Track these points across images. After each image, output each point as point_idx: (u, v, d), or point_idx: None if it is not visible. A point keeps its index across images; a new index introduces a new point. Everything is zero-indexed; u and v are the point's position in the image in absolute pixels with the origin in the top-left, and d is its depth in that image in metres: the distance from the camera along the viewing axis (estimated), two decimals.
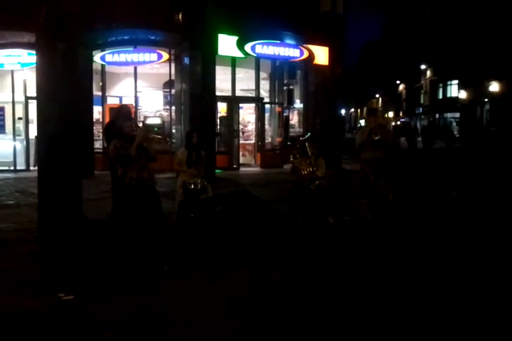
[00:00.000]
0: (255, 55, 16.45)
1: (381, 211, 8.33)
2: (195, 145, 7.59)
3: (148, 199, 5.94)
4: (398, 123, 58.66)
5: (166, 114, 16.92)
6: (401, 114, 63.52)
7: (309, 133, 9.86)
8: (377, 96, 75.40)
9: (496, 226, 7.82)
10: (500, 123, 34.38)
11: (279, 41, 16.88)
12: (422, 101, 55.50)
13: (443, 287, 5.10)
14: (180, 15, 14.55)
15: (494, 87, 34.95)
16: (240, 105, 17.35)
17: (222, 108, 17.03)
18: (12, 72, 15.42)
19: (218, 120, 16.82)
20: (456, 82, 45.07)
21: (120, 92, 17.07)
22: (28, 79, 14.98)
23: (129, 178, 5.77)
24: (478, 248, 6.56)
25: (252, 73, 17.52)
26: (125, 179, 5.79)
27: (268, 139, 17.82)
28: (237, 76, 16.88)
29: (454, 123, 46.59)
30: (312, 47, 17.54)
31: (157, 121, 16.81)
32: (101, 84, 16.29)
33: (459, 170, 16.70)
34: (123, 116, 7.17)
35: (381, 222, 8.03)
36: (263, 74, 18.00)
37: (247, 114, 18.19)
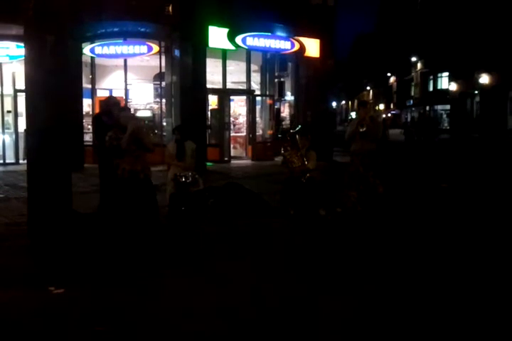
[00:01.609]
0: (246, 48, 16.38)
1: (371, 203, 8.36)
2: (179, 141, 7.72)
3: (140, 192, 5.91)
4: (389, 115, 58.85)
5: (156, 106, 16.83)
6: (392, 106, 63.73)
7: (300, 126, 9.86)
8: (368, 88, 75.49)
9: (487, 217, 7.87)
10: (489, 115, 34.54)
11: (270, 33, 16.81)
12: (412, 94, 55.67)
13: (436, 279, 5.13)
14: (170, 7, 14.47)
15: (484, 79, 35.07)
16: (231, 97, 17.30)
17: (213, 100, 16.99)
18: (0, 64, 15.28)
19: (209, 113, 16.77)
20: (447, 74, 45.21)
21: (110, 85, 16.95)
22: (16, 72, 14.85)
23: (121, 170, 5.75)
24: (469, 239, 6.60)
25: (243, 65, 17.46)
26: (117, 171, 5.78)
27: (259, 132, 17.80)
28: (228, 68, 16.82)
29: (445, 115, 46.79)
30: (303, 39, 17.49)
31: (147, 113, 16.74)
32: (90, 76, 16.18)
33: (450, 161, 16.78)
34: (115, 106, 7.15)
35: (371, 213, 8.05)
36: (254, 67, 17.94)
37: (238, 107, 18.14)
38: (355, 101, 74.61)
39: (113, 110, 7.07)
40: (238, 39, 15.87)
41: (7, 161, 15.37)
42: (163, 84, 16.30)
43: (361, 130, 8.37)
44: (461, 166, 15.47)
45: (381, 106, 67.46)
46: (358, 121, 8.59)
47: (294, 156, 8.11)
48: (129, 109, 6.53)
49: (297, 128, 8.69)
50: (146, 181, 6.01)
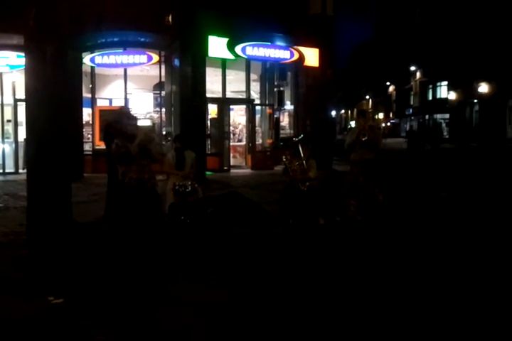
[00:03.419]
0: (246, 57, 16.45)
1: (371, 212, 8.34)
2: (179, 150, 7.77)
3: (146, 201, 5.94)
4: (388, 124, 58.95)
5: (156, 115, 16.89)
6: (391, 115, 63.87)
7: (302, 135, 9.87)
8: (367, 97, 75.68)
9: (486, 226, 7.85)
10: (488, 124, 34.60)
11: (269, 43, 16.90)
12: (411, 103, 55.83)
13: (435, 287, 5.11)
14: (170, 17, 14.54)
15: (483, 88, 35.17)
16: (231, 107, 17.35)
17: (212, 110, 17.03)
18: (1, 74, 15.34)
19: (209, 122, 16.81)
20: (446, 83, 45.37)
21: (110, 94, 17.02)
22: (17, 82, 14.91)
23: (128, 178, 5.78)
24: (468, 248, 6.58)
25: (242, 75, 17.53)
26: (124, 179, 5.81)
27: (259, 141, 17.82)
28: (227, 78, 16.88)
29: (444, 124, 46.85)
30: (302, 48, 17.58)
31: (147, 123, 16.77)
32: (90, 86, 16.24)
33: (449, 170, 16.78)
34: (125, 115, 7.19)
35: (370, 223, 8.03)
36: (253, 76, 18.01)
37: (237, 116, 18.19)
38: (355, 110, 74.84)
39: (122, 120, 7.14)
40: (238, 48, 15.95)
41: (7, 170, 15.37)
42: (163, 93, 16.36)
43: (363, 139, 8.36)
44: (461, 175, 15.46)
45: (380, 115, 67.61)
46: (358, 131, 8.59)
47: (294, 165, 8.11)
48: (136, 119, 6.55)
49: (299, 137, 8.70)
50: (152, 190, 6.05)
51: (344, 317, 4.38)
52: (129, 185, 5.78)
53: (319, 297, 4.89)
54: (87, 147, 15.86)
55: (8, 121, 15.67)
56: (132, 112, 7.47)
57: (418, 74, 52.03)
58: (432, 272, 5.61)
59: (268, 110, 18.28)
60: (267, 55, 16.87)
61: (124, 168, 5.80)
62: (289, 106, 19.69)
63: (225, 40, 15.62)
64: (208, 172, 14.57)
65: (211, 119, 17.00)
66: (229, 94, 17.25)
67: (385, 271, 5.65)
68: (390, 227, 7.80)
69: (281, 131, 19.21)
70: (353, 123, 75.55)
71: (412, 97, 55.91)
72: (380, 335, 4.05)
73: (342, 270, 5.74)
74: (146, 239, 5.81)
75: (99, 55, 15.51)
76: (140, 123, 16.35)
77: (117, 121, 7.19)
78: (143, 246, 5.77)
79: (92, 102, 16.18)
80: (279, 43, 17.24)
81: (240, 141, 17.93)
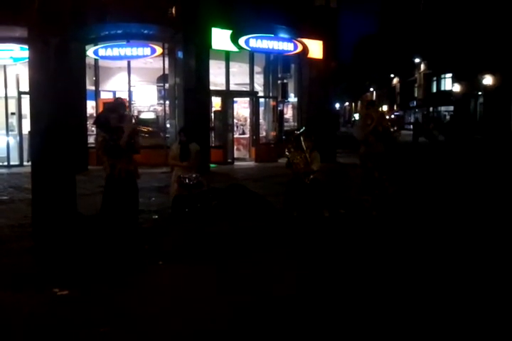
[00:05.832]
0: (249, 49, 16.39)
1: (383, 206, 8.21)
2: (184, 143, 7.75)
3: (132, 192, 5.98)
4: (392, 116, 58.71)
5: (159, 108, 16.87)
6: (395, 108, 63.66)
7: (304, 127, 9.84)
8: (371, 89, 75.39)
9: (499, 220, 7.79)
10: (493, 116, 34.46)
11: (273, 35, 16.83)
12: (415, 95, 55.60)
13: (441, 284, 5.11)
14: (173, 9, 14.49)
15: (488, 80, 35.00)
16: (235, 99, 17.32)
17: (216, 102, 17.00)
18: (4, 66, 15.32)
19: (212, 114, 16.79)
20: (450, 75, 45.15)
21: (113, 87, 16.98)
22: (20, 74, 14.89)
23: (117, 170, 5.79)
24: (480, 244, 6.56)
25: (246, 67, 17.47)
26: (114, 171, 5.82)
27: (262, 133, 17.80)
28: (231, 70, 16.83)
29: (448, 117, 46.68)
30: (306, 41, 17.50)
31: (151, 115, 16.77)
32: (94, 78, 16.21)
33: (458, 163, 16.74)
34: (110, 108, 7.10)
35: (384, 217, 7.93)
36: (257, 68, 17.95)
37: (241, 108, 18.16)
38: (359, 102, 74.61)
39: (106, 113, 7.03)
40: (241, 41, 15.88)
41: (11, 163, 15.40)
42: (167, 85, 16.33)
43: (395, 136, 8.16)
44: (471, 168, 15.41)
45: (385, 108, 67.35)
46: (374, 125, 8.19)
47: (297, 158, 8.10)
48: (119, 111, 6.39)
49: (301, 130, 8.67)
50: (135, 182, 6.10)
51: (345, 312, 4.40)
52: (119, 176, 5.80)
53: (321, 288, 4.90)
54: (91, 139, 15.82)
55: (13, 113, 15.67)
56: (117, 104, 7.31)
57: (422, 67, 51.78)
58: (439, 266, 5.61)
59: (272, 102, 18.24)
60: (271, 47, 16.80)
61: (113, 160, 5.81)
62: (292, 98, 19.63)
63: (229, 32, 15.56)
64: (211, 165, 14.57)
65: (215, 112, 16.97)
66: (232, 87, 17.21)
67: (392, 266, 5.65)
68: (400, 221, 7.72)
69: (285, 124, 19.17)
70: (357, 116, 75.06)
71: (416, 89, 55.67)
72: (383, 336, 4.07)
73: (345, 263, 5.74)
74: (134, 228, 5.85)
75: (102, 47, 15.47)
76: (143, 115, 16.52)
77: (103, 115, 7.12)
78: (134, 235, 5.81)
79: (96, 95, 16.16)
80: (282, 35, 17.16)
81: (243, 133, 17.92)
